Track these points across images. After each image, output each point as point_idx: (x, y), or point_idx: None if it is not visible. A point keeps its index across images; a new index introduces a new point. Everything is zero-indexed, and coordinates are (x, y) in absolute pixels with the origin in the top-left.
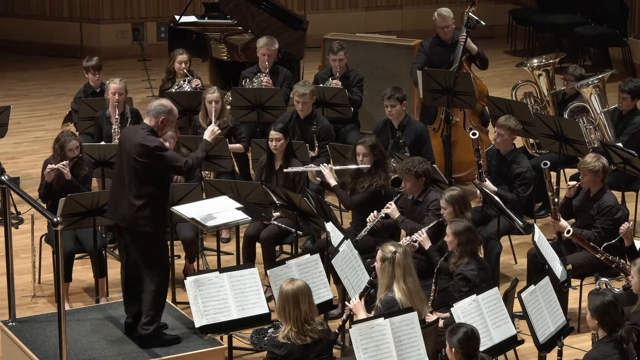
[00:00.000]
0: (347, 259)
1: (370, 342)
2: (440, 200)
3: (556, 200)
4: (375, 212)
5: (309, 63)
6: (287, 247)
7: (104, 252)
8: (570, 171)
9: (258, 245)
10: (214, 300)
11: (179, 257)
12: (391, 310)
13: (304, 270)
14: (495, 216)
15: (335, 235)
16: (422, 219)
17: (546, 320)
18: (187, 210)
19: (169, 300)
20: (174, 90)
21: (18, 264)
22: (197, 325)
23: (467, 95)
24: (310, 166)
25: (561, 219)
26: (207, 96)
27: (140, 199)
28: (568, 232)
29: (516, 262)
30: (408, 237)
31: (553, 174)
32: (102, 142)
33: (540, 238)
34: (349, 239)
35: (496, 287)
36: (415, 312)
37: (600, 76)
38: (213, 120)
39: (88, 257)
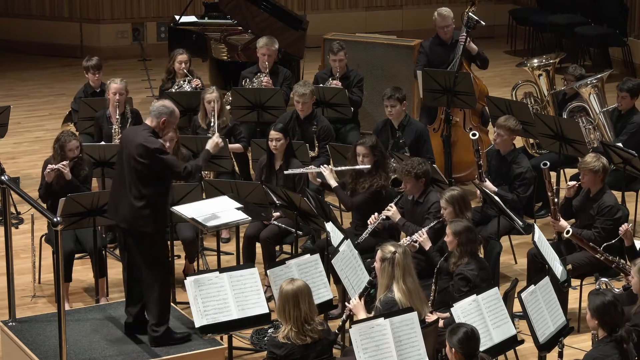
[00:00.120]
0: (347, 259)
1: (370, 342)
2: (440, 201)
3: (556, 200)
4: (376, 214)
5: (309, 63)
6: (287, 247)
7: (104, 252)
8: (570, 171)
9: (258, 245)
10: (214, 300)
11: (179, 257)
12: (391, 310)
13: (304, 270)
14: (495, 216)
15: (335, 235)
16: (422, 219)
17: (546, 320)
18: (187, 210)
19: None
20: (174, 90)
21: (18, 264)
22: (197, 325)
23: (467, 95)
24: (310, 168)
25: (561, 219)
26: (206, 96)
27: (140, 200)
28: (568, 232)
29: (516, 262)
30: (408, 237)
31: (553, 174)
32: (102, 142)
33: (540, 238)
34: (349, 239)
35: (496, 287)
36: (415, 312)
37: (599, 76)
38: (212, 120)
39: (88, 257)
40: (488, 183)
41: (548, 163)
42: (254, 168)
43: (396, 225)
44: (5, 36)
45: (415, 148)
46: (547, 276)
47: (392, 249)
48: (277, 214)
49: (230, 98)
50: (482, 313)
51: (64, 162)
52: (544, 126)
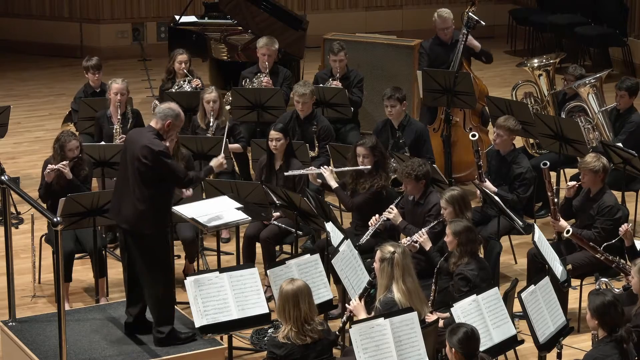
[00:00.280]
0: (347, 259)
1: (370, 342)
2: (440, 201)
3: (556, 200)
4: (377, 215)
5: (309, 63)
6: (287, 247)
7: (104, 252)
8: (570, 171)
9: (258, 245)
10: (214, 300)
11: (179, 257)
12: (391, 310)
13: (304, 270)
14: (495, 216)
15: (335, 235)
16: (423, 220)
17: (546, 320)
18: (187, 210)
19: None
20: (174, 90)
21: (18, 264)
22: (197, 325)
23: (467, 95)
24: (310, 169)
25: (561, 219)
26: (205, 96)
27: (143, 201)
28: (568, 232)
29: (516, 262)
30: (408, 238)
31: (553, 174)
32: (102, 142)
33: (540, 238)
34: (349, 239)
35: (496, 287)
36: (415, 312)
37: (597, 75)
38: (211, 120)
39: (88, 257)
40: (488, 183)
41: (548, 163)
42: (254, 168)
43: (397, 227)
44: (5, 36)
45: (415, 148)
46: (547, 276)
47: (391, 249)
48: (277, 214)
49: (230, 98)
50: (482, 313)
51: (64, 162)
52: (544, 126)
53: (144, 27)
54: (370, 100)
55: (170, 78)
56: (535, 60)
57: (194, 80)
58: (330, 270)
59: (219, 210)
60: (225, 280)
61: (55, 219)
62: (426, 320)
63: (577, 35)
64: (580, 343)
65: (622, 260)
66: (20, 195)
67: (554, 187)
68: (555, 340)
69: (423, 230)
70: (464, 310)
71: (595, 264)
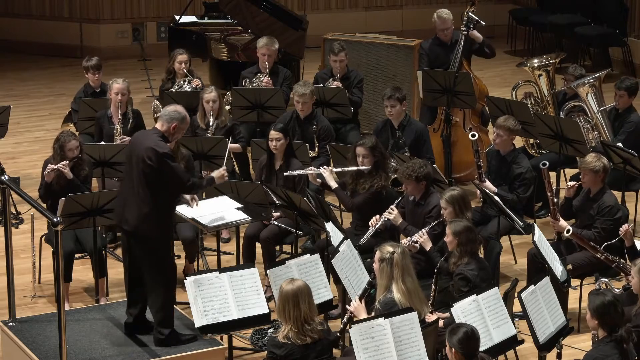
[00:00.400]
0: (347, 259)
1: (370, 342)
2: (440, 201)
3: (555, 200)
4: (377, 216)
5: (309, 63)
6: (287, 247)
7: (104, 252)
8: (570, 171)
9: (258, 245)
10: (214, 300)
11: (179, 257)
12: (391, 310)
13: (304, 270)
14: (495, 216)
15: (335, 235)
16: (423, 220)
17: (546, 320)
18: (187, 210)
19: None
20: (174, 90)
21: (18, 264)
22: (197, 325)
23: (467, 95)
24: (310, 169)
25: (561, 219)
26: (205, 96)
27: (147, 203)
28: (568, 231)
29: (516, 262)
30: (409, 238)
31: (553, 174)
32: (102, 142)
33: (540, 238)
34: (349, 239)
35: (496, 287)
36: (415, 312)
37: (596, 75)
38: (211, 120)
39: (88, 257)
40: (488, 183)
41: (547, 163)
42: (254, 168)
43: (397, 228)
44: (5, 36)
45: (415, 148)
46: (547, 276)
47: (390, 249)
48: (277, 214)
49: (230, 98)
50: (482, 313)
51: (64, 162)
52: (544, 126)
53: (144, 27)
54: (370, 100)
55: (170, 78)
56: (535, 60)
57: (194, 80)
58: (330, 270)
59: (219, 210)
60: (225, 280)
61: (55, 219)
62: (426, 320)
63: (577, 35)
64: (580, 343)
65: (622, 260)
66: (20, 195)
67: (554, 187)
68: (555, 340)
69: (423, 230)
70: (464, 310)
71: (595, 264)
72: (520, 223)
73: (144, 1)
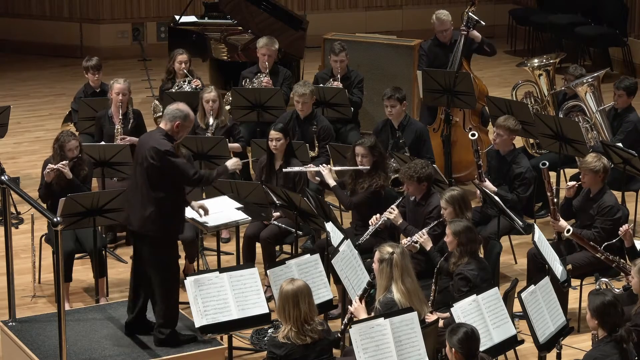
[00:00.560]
0: (347, 259)
1: (370, 342)
2: (440, 201)
3: (555, 200)
4: (377, 215)
5: (309, 63)
6: (287, 247)
7: (104, 252)
8: (570, 171)
9: (258, 245)
10: (214, 300)
11: (179, 257)
12: (391, 310)
13: (304, 270)
14: (495, 216)
15: (335, 235)
16: (423, 220)
17: (546, 320)
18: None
19: None
20: (174, 90)
21: (18, 264)
22: (197, 325)
23: (467, 95)
24: (309, 166)
25: (561, 219)
26: (205, 95)
27: (151, 204)
28: (568, 231)
29: (516, 262)
30: (409, 238)
31: (553, 174)
32: (102, 142)
33: (540, 238)
34: (349, 239)
35: (496, 287)
36: (415, 312)
37: (595, 74)
38: (211, 120)
39: (88, 257)
40: (488, 183)
41: (547, 163)
42: (254, 168)
43: (397, 228)
44: (5, 36)
45: (415, 148)
46: (547, 276)
47: (389, 249)
48: (277, 214)
49: (230, 98)
50: (482, 313)
51: (64, 162)
52: (544, 126)
53: (144, 27)
54: (370, 100)
55: (170, 78)
56: (536, 60)
57: (194, 80)
58: (330, 270)
59: (219, 210)
60: (225, 280)
61: (55, 219)
62: (426, 320)
63: (577, 35)
64: (580, 343)
65: (622, 260)
66: (20, 195)
67: (554, 187)
68: (555, 340)
69: (423, 230)
70: (464, 310)
71: (595, 264)
72: (520, 223)
73: (144, 1)
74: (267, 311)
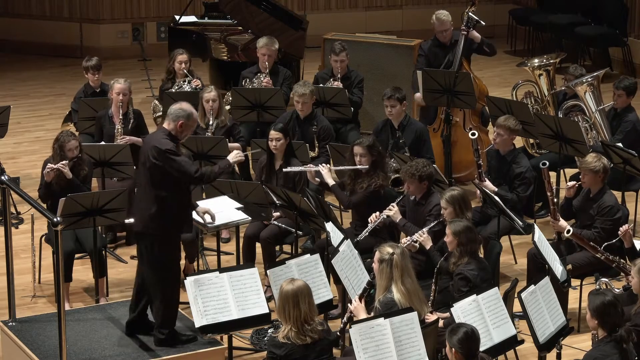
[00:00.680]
0: (347, 259)
1: (370, 342)
2: (440, 201)
3: (555, 200)
4: (377, 213)
5: (309, 63)
6: (287, 247)
7: (104, 252)
8: (570, 171)
9: (258, 245)
10: (214, 300)
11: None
12: (390, 310)
13: (304, 270)
14: (495, 216)
15: (335, 235)
16: (424, 220)
17: (546, 320)
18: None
19: None
20: (174, 90)
21: (18, 264)
22: (197, 325)
23: (467, 95)
24: (309, 166)
25: (561, 219)
26: (205, 95)
27: (154, 203)
28: (568, 231)
29: (516, 262)
30: (408, 237)
31: (553, 174)
32: (102, 142)
33: (540, 238)
34: (349, 239)
35: (496, 287)
36: (415, 312)
37: (595, 74)
38: (211, 119)
39: (88, 257)
40: (488, 183)
41: (547, 163)
42: (254, 168)
43: (397, 226)
44: (5, 36)
45: (415, 148)
46: (547, 276)
47: (389, 250)
48: (277, 214)
49: (230, 98)
50: (482, 313)
51: (63, 162)
52: (544, 126)
53: (144, 27)
54: (370, 100)
55: (170, 78)
56: (536, 60)
57: (194, 80)
58: (330, 270)
59: (219, 210)
60: (225, 280)
61: (55, 219)
62: (426, 320)
63: (577, 35)
64: (580, 343)
65: (622, 260)
66: (20, 195)
67: (554, 187)
68: (555, 340)
69: (424, 229)
70: (464, 310)
71: (595, 264)
72: (520, 223)
73: (144, 1)
74: (267, 311)
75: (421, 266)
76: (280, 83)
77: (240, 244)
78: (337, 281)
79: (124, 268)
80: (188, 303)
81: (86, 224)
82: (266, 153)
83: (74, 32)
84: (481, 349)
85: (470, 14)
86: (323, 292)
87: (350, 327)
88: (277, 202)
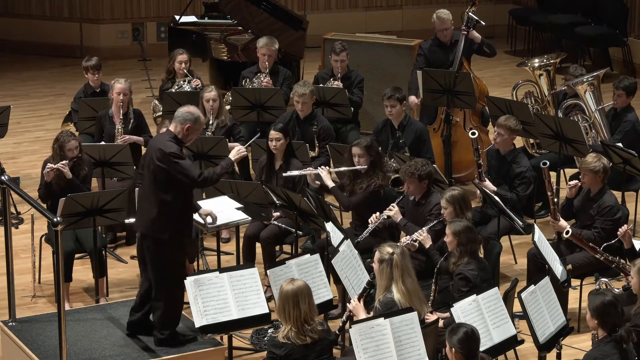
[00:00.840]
0: (347, 259)
1: (370, 342)
2: (440, 201)
3: (556, 200)
4: (377, 213)
5: (309, 63)
6: (287, 247)
7: (104, 252)
8: (570, 171)
9: (258, 245)
10: (214, 300)
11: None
12: (390, 310)
13: (304, 270)
14: (495, 216)
15: (335, 235)
16: (424, 220)
17: (546, 320)
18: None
19: None
20: (174, 90)
21: (18, 264)
22: (197, 325)
23: (467, 95)
24: (308, 169)
25: (561, 219)
26: (205, 95)
27: (157, 206)
28: (567, 232)
29: (516, 262)
30: (408, 237)
31: (553, 174)
32: (102, 142)
33: (540, 238)
34: (349, 239)
35: (496, 287)
36: (415, 312)
37: (595, 73)
38: (211, 119)
39: (88, 257)
40: (488, 183)
41: (548, 162)
42: (254, 168)
43: (397, 225)
44: (5, 36)
45: (415, 148)
46: (547, 276)
47: (389, 250)
48: (277, 214)
49: (230, 98)
50: (482, 313)
51: (63, 162)
52: (544, 126)
53: (144, 27)
54: (370, 100)
55: (170, 78)
56: (536, 60)
57: (194, 80)
58: (330, 270)
59: (219, 210)
60: (225, 280)
61: (55, 219)
62: (426, 320)
63: (577, 35)
64: (580, 343)
65: (622, 260)
66: (20, 195)
67: (554, 187)
68: (555, 340)
69: (424, 228)
70: (464, 310)
71: (595, 264)
72: (520, 223)
73: (144, 1)
74: (267, 311)
75: (421, 266)
76: (280, 83)
77: (240, 244)
78: (337, 281)
79: (124, 268)
80: (188, 303)
81: (86, 224)
82: (266, 153)
83: (74, 32)
84: (481, 349)
85: (470, 14)
86: (323, 292)
87: (349, 327)
88: (277, 202)
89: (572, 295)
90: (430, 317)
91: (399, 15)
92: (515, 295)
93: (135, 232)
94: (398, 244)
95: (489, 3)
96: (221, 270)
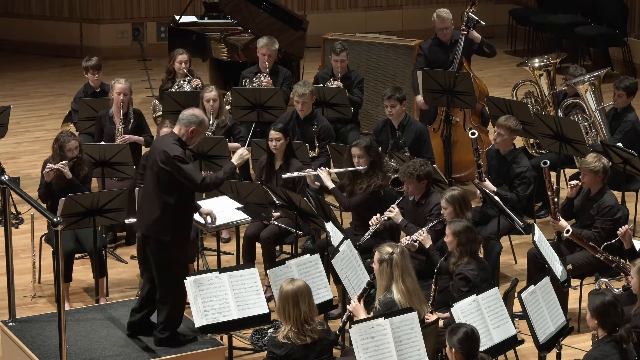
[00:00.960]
0: (347, 259)
1: (370, 342)
2: (440, 201)
3: (556, 200)
4: (378, 215)
5: (309, 63)
6: (287, 247)
7: (104, 252)
8: (570, 171)
9: (258, 245)
10: (214, 300)
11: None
12: (391, 310)
13: (304, 270)
14: (495, 216)
15: (335, 235)
16: (424, 220)
17: (546, 320)
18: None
19: None
20: (174, 90)
21: (18, 264)
22: (197, 325)
23: (467, 95)
24: (307, 171)
25: (561, 218)
26: (205, 95)
27: (160, 207)
28: (568, 231)
29: (516, 262)
30: (408, 237)
31: (553, 174)
32: (102, 142)
33: (540, 238)
34: (349, 239)
35: (496, 287)
36: (415, 312)
37: (596, 73)
38: (211, 119)
39: (88, 257)
40: (487, 183)
41: (548, 162)
42: (254, 168)
43: (397, 226)
44: (5, 36)
45: (415, 148)
46: (547, 276)
47: (389, 250)
48: (277, 214)
49: (230, 98)
50: (482, 313)
51: (63, 162)
52: (544, 126)
53: (144, 27)
54: (370, 100)
55: (170, 78)
56: (536, 60)
57: (194, 80)
58: (330, 270)
59: (219, 210)
60: (225, 280)
61: (55, 219)
62: (426, 320)
63: (577, 35)
64: (580, 343)
65: (622, 260)
66: (20, 195)
67: (554, 187)
68: (555, 340)
69: (424, 228)
70: (464, 310)
71: (595, 264)
72: (520, 223)
73: (144, 1)
74: (267, 311)
75: (421, 266)
76: (280, 83)
77: (240, 244)
78: (337, 281)
79: (124, 268)
80: (188, 303)
81: (86, 224)
82: (266, 153)
83: (74, 32)
84: (481, 349)
85: (470, 14)
86: (323, 292)
87: (349, 327)
88: (277, 202)
89: (572, 295)
90: (430, 317)
91: (399, 15)
92: (515, 295)
93: (135, 232)
94: (398, 244)
95: (489, 3)
96: (221, 270)
